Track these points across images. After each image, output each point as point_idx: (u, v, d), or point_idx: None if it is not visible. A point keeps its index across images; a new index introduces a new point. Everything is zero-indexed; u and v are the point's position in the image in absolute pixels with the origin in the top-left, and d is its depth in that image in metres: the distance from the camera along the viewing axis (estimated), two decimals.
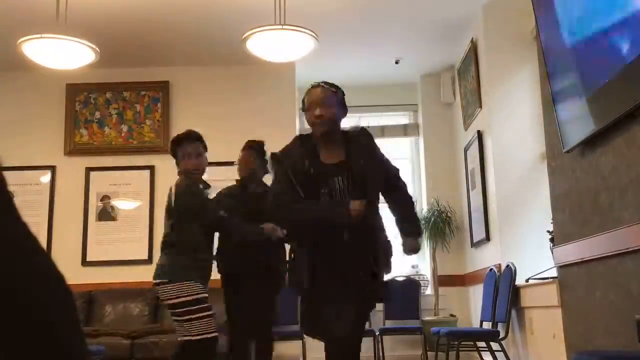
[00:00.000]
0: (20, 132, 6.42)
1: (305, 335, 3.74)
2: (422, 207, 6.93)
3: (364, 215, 2.68)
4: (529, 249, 4.98)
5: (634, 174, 2.66)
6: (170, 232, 3.40)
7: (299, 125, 6.84)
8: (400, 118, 7.41)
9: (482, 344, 5.06)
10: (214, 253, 3.79)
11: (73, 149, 6.46)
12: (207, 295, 3.33)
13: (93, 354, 4.57)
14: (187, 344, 3.24)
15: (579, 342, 3.36)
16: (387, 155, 3.01)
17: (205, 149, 3.54)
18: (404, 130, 7.31)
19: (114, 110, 6.56)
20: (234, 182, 4.26)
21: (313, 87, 2.85)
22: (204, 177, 3.55)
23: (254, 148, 4.20)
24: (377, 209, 2.86)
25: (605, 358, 2.44)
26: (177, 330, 3.34)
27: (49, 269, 0.67)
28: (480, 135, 5.77)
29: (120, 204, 6.40)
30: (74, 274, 5.78)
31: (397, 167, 3.05)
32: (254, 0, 5.18)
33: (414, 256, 7.07)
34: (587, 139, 3.03)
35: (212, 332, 3.25)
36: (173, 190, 3.43)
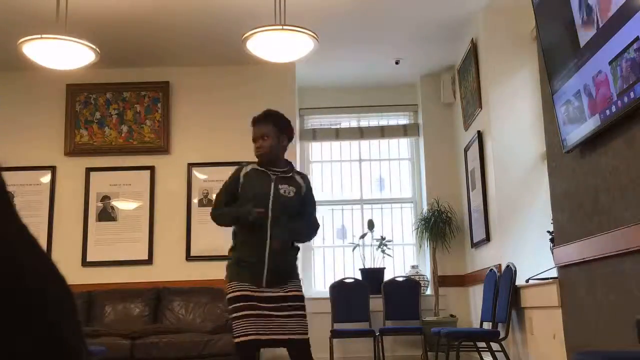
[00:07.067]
0: (20, 132, 6.42)
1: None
2: (422, 208, 6.94)
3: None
4: (529, 249, 4.98)
5: (634, 174, 2.66)
6: None
7: (299, 125, 6.87)
8: (400, 118, 7.41)
9: (482, 344, 5.06)
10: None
11: (73, 149, 6.46)
12: None
13: (93, 354, 4.57)
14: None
15: (579, 342, 3.36)
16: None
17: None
18: (404, 131, 7.30)
19: (114, 111, 6.56)
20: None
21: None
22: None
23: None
24: None
25: (605, 358, 2.44)
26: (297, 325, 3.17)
27: (48, 269, 0.67)
28: (480, 135, 5.77)
29: (121, 204, 6.40)
30: (74, 275, 5.80)
31: None
32: (254, 1, 5.19)
33: (413, 256, 7.11)
34: (587, 139, 3.04)
35: None
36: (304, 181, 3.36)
